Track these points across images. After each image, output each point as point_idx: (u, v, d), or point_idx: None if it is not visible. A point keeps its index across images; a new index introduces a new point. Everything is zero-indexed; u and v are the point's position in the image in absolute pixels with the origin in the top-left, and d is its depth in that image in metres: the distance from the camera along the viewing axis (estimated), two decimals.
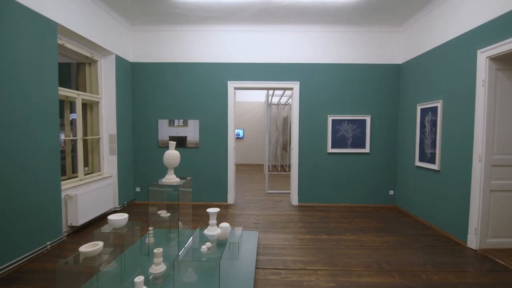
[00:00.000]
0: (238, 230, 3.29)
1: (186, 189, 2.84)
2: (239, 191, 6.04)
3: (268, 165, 9.26)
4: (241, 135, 11.00)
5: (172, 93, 4.93)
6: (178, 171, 4.89)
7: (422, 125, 4.18)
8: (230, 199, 5.00)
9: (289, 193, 5.79)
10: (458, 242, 3.36)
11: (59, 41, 3.47)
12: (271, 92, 8.80)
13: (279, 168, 9.43)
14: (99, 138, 4.42)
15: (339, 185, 4.97)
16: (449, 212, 3.57)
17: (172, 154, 2.59)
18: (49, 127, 3.12)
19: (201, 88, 4.92)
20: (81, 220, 3.60)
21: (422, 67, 4.23)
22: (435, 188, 3.87)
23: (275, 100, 10.10)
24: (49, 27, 3.13)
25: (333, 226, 3.93)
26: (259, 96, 10.80)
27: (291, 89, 4.95)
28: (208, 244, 2.55)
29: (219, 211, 4.35)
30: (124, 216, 2.46)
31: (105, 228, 2.46)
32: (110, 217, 2.42)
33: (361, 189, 4.97)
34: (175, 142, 2.67)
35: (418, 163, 4.28)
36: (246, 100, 10.92)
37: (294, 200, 4.98)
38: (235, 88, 4.98)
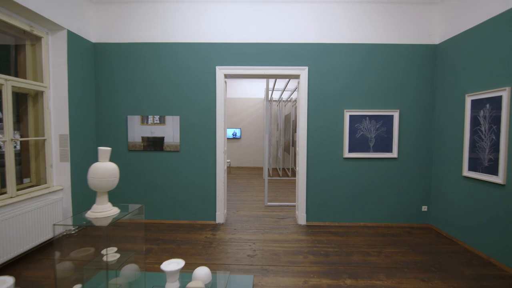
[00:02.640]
0: (223, 278, 2.21)
1: (135, 218, 1.77)
2: (233, 203, 4.97)
3: (268, 168, 8.20)
4: (238, 135, 9.94)
5: (146, 82, 3.86)
6: (150, 183, 3.84)
7: (475, 122, 3.11)
8: (220, 216, 3.93)
9: (294, 206, 4.71)
10: None
11: None
12: (271, 86, 7.74)
13: (280, 173, 8.36)
14: (44, 140, 3.35)
15: (359, 199, 3.90)
16: None
17: (103, 170, 1.51)
18: None
19: (183, 76, 3.84)
20: (1, 257, 2.53)
21: (473, 46, 3.16)
22: (497, 209, 2.80)
23: (275, 95, 9.03)
24: None
25: (357, 260, 2.86)
26: (258, 92, 9.73)
27: (297, 77, 3.88)
28: None
29: (204, 236, 3.18)
30: None
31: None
32: None
33: (386, 204, 3.90)
34: (109, 149, 1.59)
35: (467, 173, 3.21)
36: (243, 96, 9.85)
37: (301, 218, 3.90)
38: (226, 76, 3.91)
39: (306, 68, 3.77)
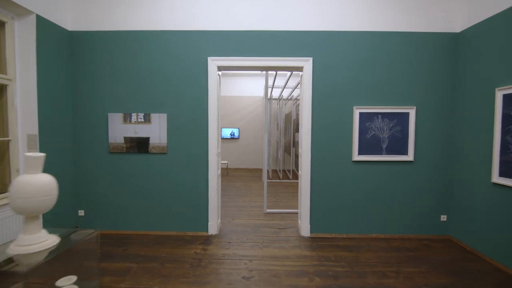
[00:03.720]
0: None
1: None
2: (229, 210, 4.52)
3: (267, 170, 7.76)
4: (236, 135, 9.49)
5: (129, 75, 3.41)
6: (133, 190, 3.40)
7: (507, 121, 2.67)
8: (213, 227, 3.48)
9: (296, 213, 4.27)
10: None
11: None
12: (270, 83, 7.29)
13: (280, 175, 7.91)
14: (9, 141, 2.90)
15: (370, 207, 3.45)
16: None
17: (32, 186, 1.06)
18: None
19: (170, 68, 3.39)
20: None
21: (505, 33, 2.71)
22: None
23: (275, 94, 8.58)
24: None
25: (372, 283, 2.42)
26: (257, 90, 9.28)
27: (300, 69, 3.43)
28: None
29: (194, 251, 2.87)
30: None
31: None
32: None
33: (400, 213, 3.45)
34: (41, 155, 1.14)
35: (497, 179, 2.76)
36: (241, 94, 9.40)
37: (305, 228, 3.46)
38: (220, 68, 3.47)
39: (310, 59, 3.32)
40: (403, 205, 3.44)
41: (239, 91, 9.39)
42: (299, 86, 7.03)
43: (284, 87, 7.08)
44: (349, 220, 3.46)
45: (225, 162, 8.55)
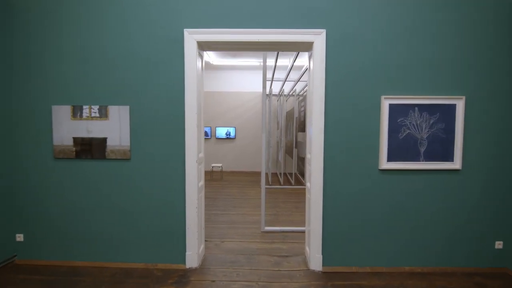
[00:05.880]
0: None
1: None
2: (218, 227, 3.65)
3: (267, 173, 6.89)
4: (232, 134, 8.61)
5: (80, 55, 2.53)
6: (86, 208, 2.54)
7: None
8: (192, 258, 2.61)
9: (302, 232, 3.40)
10: None
11: None
12: (269, 76, 6.43)
13: (281, 180, 7.04)
14: None
15: (402, 231, 2.58)
16: None
17: None
18: None
19: (134, 45, 2.52)
20: None
21: None
22: None
23: (275, 88, 7.72)
24: None
25: None
26: (255, 85, 8.39)
27: (308, 47, 2.56)
28: None
29: None
30: None
31: None
32: None
33: (443, 238, 2.58)
34: None
35: None
36: (238, 89, 8.52)
37: (315, 260, 2.58)
38: (202, 46, 2.59)
39: (323, 32, 2.44)
40: (446, 229, 2.57)
41: (236, 86, 8.52)
42: (302, 79, 6.16)
43: (286, 79, 6.22)
44: (374, 248, 2.59)
45: (219, 165, 7.68)
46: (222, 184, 6.75)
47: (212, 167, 7.72)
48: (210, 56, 7.07)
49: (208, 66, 7.90)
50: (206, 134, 8.58)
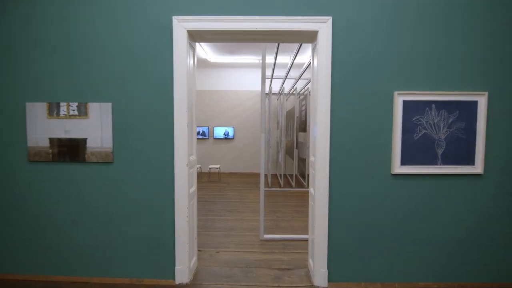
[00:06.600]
0: None
1: None
2: (212, 235, 3.38)
3: (266, 175, 6.62)
4: (230, 134, 8.35)
5: (56, 45, 2.26)
6: (65, 217, 2.28)
7: None
8: (182, 273, 2.33)
9: (305, 240, 3.13)
10: None
11: None
12: (269, 74, 6.17)
13: (282, 182, 6.76)
14: None
15: (417, 243, 2.31)
16: None
17: None
18: None
19: (117, 35, 2.25)
20: None
21: None
22: None
23: (275, 87, 7.46)
24: None
25: None
26: (254, 83, 8.13)
27: (312, 37, 2.29)
28: None
29: None
30: None
31: None
32: None
33: (463, 251, 2.31)
34: None
35: None
36: (237, 88, 8.26)
37: (319, 274, 2.31)
38: (192, 36, 2.33)
39: (329, 20, 2.18)
40: (467, 240, 2.30)
41: (234, 85, 8.26)
42: (303, 76, 5.90)
43: (286, 77, 5.95)
44: (385, 261, 2.32)
45: (217, 166, 7.40)
46: (220, 186, 6.48)
47: (210, 168, 7.46)
48: (208, 53, 6.80)
49: (206, 64, 7.64)
50: (204, 134, 8.31)
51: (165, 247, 2.33)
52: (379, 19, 2.18)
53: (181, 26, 2.20)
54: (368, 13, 2.18)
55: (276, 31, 2.21)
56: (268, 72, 6.26)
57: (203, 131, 8.29)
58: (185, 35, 2.21)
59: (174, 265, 2.33)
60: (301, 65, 6.81)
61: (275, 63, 5.09)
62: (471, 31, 2.18)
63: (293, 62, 4.79)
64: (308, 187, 6.04)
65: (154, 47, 2.24)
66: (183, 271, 2.32)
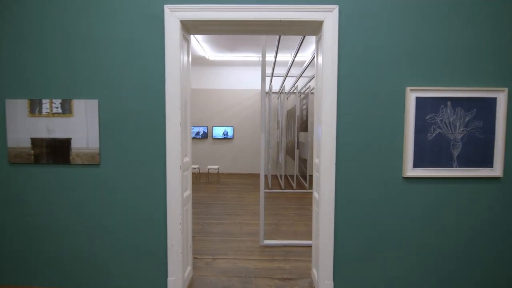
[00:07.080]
0: None
1: None
2: (209, 241, 3.20)
3: (266, 176, 6.44)
4: (230, 134, 8.16)
5: (39, 37, 2.08)
6: (46, 225, 2.09)
7: None
8: (174, 284, 2.15)
9: (308, 246, 2.95)
10: None
11: None
12: (269, 72, 5.99)
13: (282, 183, 6.58)
14: None
15: (431, 253, 2.13)
16: None
17: None
18: None
19: (104, 25, 2.06)
20: None
21: None
22: None
23: (275, 86, 7.28)
24: None
25: None
26: (254, 82, 7.95)
27: (317, 27, 2.11)
28: None
29: None
30: None
31: None
32: None
33: (481, 263, 2.13)
34: None
35: None
36: (236, 87, 8.07)
37: (325, 287, 2.13)
38: (186, 27, 2.14)
39: (336, 9, 1.99)
40: (485, 251, 2.12)
41: (234, 84, 8.07)
42: (304, 74, 5.71)
43: (286, 75, 5.77)
44: (397, 274, 2.14)
45: (216, 167, 7.22)
46: (219, 187, 6.30)
47: (208, 169, 7.27)
48: (206, 51, 6.61)
49: (204, 62, 7.46)
50: (204, 134, 8.13)
51: (157, 257, 2.15)
52: (390, 7, 2.00)
53: (173, 15, 2.01)
54: (379, 2, 2.00)
55: (277, 21, 2.03)
56: (268, 70, 6.08)
57: (202, 131, 8.10)
58: (178, 26, 2.02)
59: (166, 277, 2.14)
60: (302, 63, 6.63)
61: (275, 60, 4.90)
62: (491, 22, 2.00)
63: (294, 59, 4.60)
64: (309, 188, 5.86)
65: (145, 39, 2.05)
66: (176, 283, 2.13)
